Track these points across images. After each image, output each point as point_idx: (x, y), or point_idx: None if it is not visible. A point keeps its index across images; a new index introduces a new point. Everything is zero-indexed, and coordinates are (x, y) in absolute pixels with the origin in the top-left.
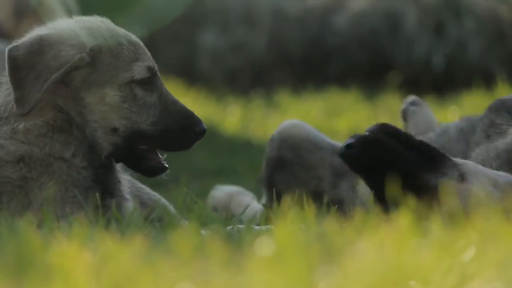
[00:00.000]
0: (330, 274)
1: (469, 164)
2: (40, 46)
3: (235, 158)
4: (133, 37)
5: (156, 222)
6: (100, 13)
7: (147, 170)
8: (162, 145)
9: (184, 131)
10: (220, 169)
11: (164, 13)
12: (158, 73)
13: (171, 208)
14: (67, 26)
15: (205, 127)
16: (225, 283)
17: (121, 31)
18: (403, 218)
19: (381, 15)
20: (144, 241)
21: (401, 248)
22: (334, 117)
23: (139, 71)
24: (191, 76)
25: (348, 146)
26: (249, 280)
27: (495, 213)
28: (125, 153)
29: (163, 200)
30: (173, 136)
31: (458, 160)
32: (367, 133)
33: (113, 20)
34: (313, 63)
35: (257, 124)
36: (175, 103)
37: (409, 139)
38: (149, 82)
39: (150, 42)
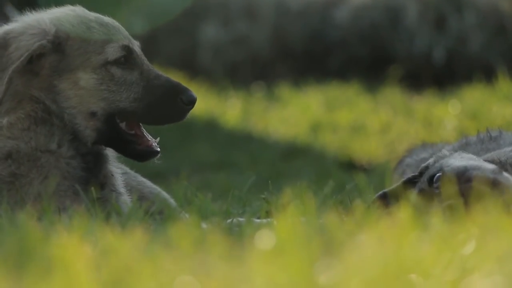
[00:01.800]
0: (331, 267)
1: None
2: (5, 40)
3: (236, 151)
4: (106, 19)
5: (156, 215)
6: (102, 7)
7: (135, 155)
8: (151, 120)
9: (172, 102)
10: (220, 162)
11: (167, 8)
12: (138, 51)
13: (171, 201)
14: (33, 18)
15: (195, 95)
16: (225, 276)
17: (92, 15)
18: (403, 212)
19: (382, 9)
20: (144, 234)
21: (401, 242)
22: (335, 111)
23: (112, 51)
24: (192, 69)
25: None
26: (250, 273)
27: (495, 206)
28: (109, 137)
29: (164, 194)
30: (160, 110)
31: None
32: None
33: (115, 15)
34: (314, 56)
35: (258, 117)
36: (159, 77)
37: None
38: (126, 60)
39: (151, 35)
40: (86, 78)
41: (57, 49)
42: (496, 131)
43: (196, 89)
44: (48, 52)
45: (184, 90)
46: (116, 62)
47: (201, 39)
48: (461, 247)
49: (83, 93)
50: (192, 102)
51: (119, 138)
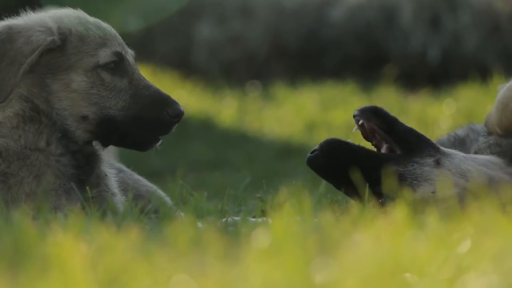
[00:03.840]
0: (327, 266)
1: (455, 154)
2: (9, 35)
3: (231, 150)
4: (104, 24)
5: (152, 214)
6: (98, 6)
7: (136, 145)
8: (136, 131)
9: (157, 114)
10: (216, 161)
11: (162, 6)
12: (130, 59)
13: (167, 200)
14: (34, 16)
15: (182, 109)
16: (221, 275)
17: (91, 18)
18: (399, 211)
19: (377, 8)
20: (140, 233)
21: (397, 241)
22: (330, 110)
23: (104, 55)
24: (188, 68)
25: (312, 151)
26: (246, 272)
27: (491, 206)
28: (105, 136)
29: (160, 192)
30: (146, 121)
31: (446, 150)
32: (354, 117)
33: (110, 12)
34: (309, 56)
35: (253, 116)
36: (148, 87)
37: (394, 122)
38: (117, 66)
39: (147, 34)
40: (78, 81)
41: (60, 46)
42: None
43: (191, 88)
44: (54, 48)
45: (171, 103)
46: (106, 67)
47: (197, 38)
48: (457, 245)
49: (75, 96)
50: (178, 115)
51: (117, 134)
